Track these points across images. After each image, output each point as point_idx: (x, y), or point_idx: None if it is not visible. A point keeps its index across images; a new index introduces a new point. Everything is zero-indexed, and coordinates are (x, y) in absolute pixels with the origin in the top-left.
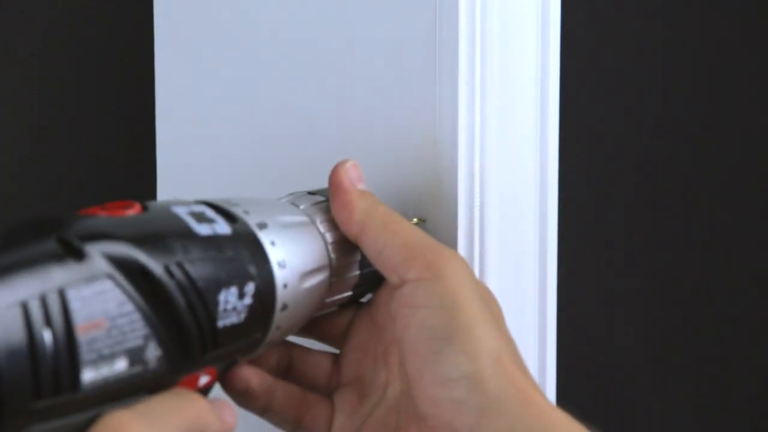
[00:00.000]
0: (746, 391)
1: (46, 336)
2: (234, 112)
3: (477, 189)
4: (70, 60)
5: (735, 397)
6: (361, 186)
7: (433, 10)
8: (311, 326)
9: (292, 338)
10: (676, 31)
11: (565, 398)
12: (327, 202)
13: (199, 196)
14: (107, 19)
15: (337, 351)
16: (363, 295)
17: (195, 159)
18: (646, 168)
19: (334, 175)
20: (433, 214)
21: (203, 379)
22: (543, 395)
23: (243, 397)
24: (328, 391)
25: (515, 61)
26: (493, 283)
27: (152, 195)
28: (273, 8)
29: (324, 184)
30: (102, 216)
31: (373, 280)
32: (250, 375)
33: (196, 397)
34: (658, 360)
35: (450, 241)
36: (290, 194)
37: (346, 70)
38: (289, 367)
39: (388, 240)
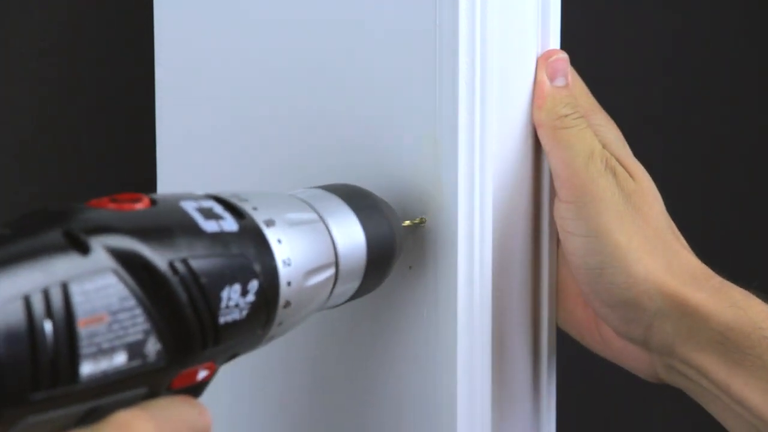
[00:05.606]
0: None
1: (47, 328)
2: (233, 112)
3: (477, 189)
4: (70, 60)
5: None
6: (558, 81)
7: (433, 10)
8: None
9: None
10: (677, 31)
11: (565, 399)
12: (338, 198)
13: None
14: (107, 19)
15: None
16: (368, 292)
17: (195, 159)
18: (645, 168)
19: (538, 66)
20: (433, 214)
21: (202, 374)
22: (703, 292)
23: None
24: None
25: (515, 61)
26: (492, 284)
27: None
28: (273, 9)
29: (325, 183)
30: (110, 209)
31: (377, 277)
32: None
33: (196, 403)
34: None
35: (450, 241)
36: (304, 188)
37: (346, 69)
38: None
39: (551, 149)
